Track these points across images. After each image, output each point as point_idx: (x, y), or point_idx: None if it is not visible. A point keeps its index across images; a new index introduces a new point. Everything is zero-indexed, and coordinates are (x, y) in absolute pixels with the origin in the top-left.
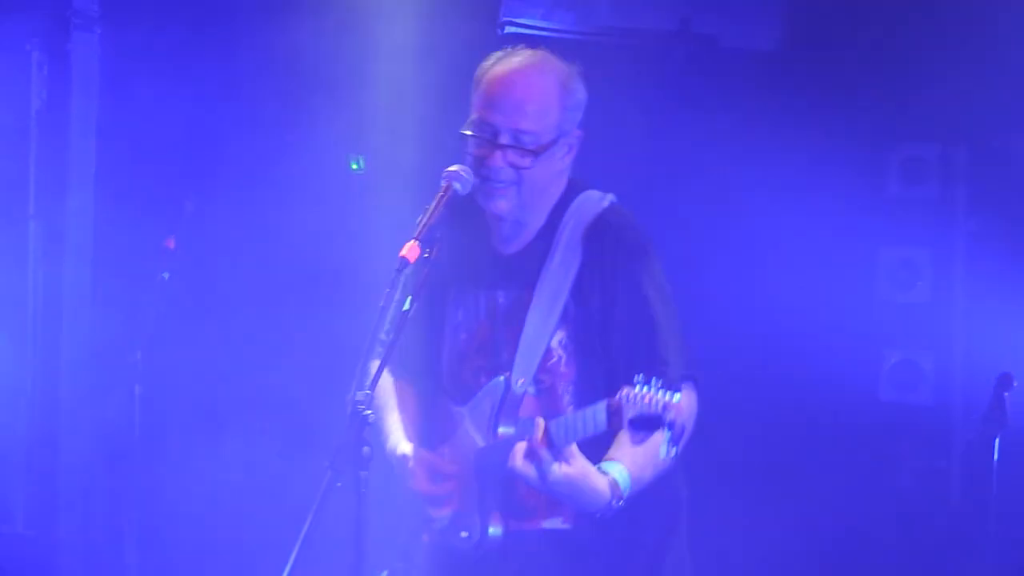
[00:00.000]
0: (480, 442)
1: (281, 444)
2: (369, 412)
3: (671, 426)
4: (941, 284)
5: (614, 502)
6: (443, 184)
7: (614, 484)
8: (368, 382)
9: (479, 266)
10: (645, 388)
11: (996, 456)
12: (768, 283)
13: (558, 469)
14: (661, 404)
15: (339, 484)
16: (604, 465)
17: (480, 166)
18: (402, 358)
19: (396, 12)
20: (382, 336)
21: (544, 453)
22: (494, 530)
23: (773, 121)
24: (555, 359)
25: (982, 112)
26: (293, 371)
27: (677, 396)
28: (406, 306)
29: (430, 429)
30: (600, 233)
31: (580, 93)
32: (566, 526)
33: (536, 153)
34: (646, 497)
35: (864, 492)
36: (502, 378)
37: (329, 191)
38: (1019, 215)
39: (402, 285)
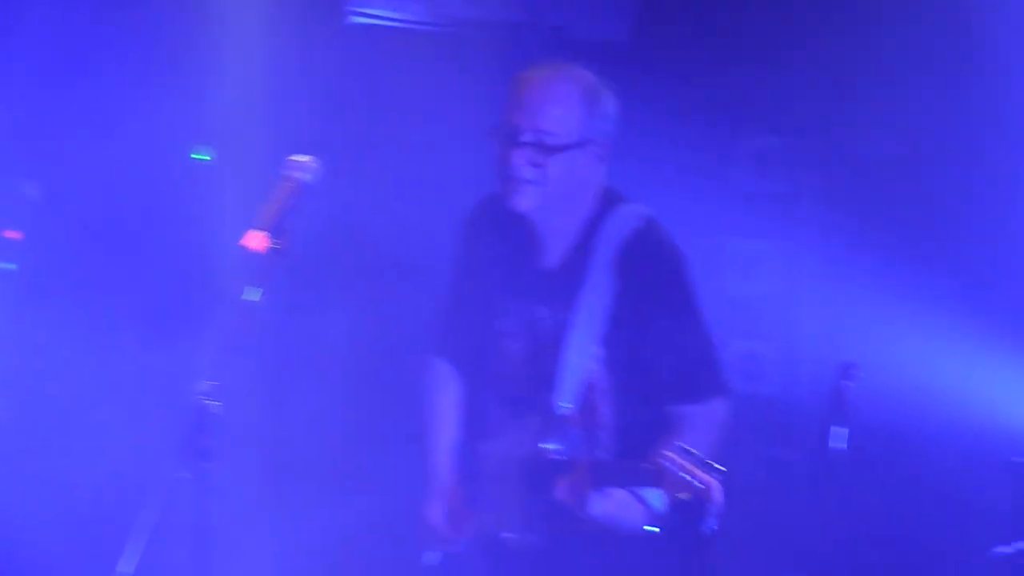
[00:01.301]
0: (528, 452)
1: (127, 435)
2: (216, 404)
3: (708, 504)
4: (787, 275)
5: (648, 527)
6: (289, 174)
7: (650, 511)
8: (215, 374)
9: (521, 277)
10: (685, 460)
11: (839, 445)
12: None
13: (599, 503)
14: (700, 482)
15: (184, 476)
16: (643, 491)
17: (503, 164)
18: (458, 347)
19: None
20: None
21: (586, 491)
22: (534, 535)
23: (622, 113)
24: (596, 377)
25: (829, 106)
26: (139, 362)
27: (716, 473)
28: (256, 297)
29: (476, 421)
30: (636, 254)
31: (608, 104)
32: (597, 536)
33: (555, 151)
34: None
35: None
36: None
37: (176, 180)
38: (864, 208)
39: (252, 276)
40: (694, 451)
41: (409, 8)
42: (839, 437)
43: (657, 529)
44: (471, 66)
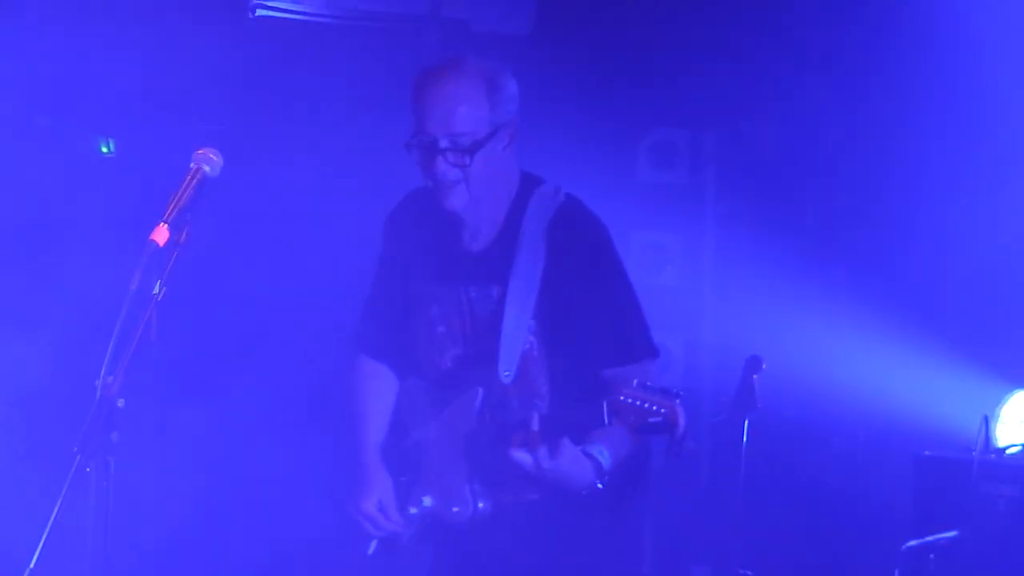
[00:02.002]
0: (469, 426)
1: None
2: (120, 399)
3: (674, 430)
4: (690, 268)
5: (598, 482)
6: (192, 167)
7: (598, 467)
8: (118, 367)
9: (449, 262)
10: (643, 391)
11: (745, 437)
12: None
13: (550, 459)
14: (662, 409)
15: (88, 469)
16: (589, 448)
17: (428, 173)
18: (381, 341)
19: None
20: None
21: (538, 446)
22: (483, 504)
23: (525, 106)
24: (529, 347)
25: (729, 99)
26: (40, 357)
27: (678, 401)
28: (156, 290)
29: (411, 410)
30: (562, 228)
31: (509, 87)
32: (544, 498)
33: (473, 151)
34: (620, 469)
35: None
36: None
37: (78, 174)
38: (766, 200)
39: (152, 269)
40: (649, 384)
41: (311, 1)
42: (745, 429)
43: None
44: (373, 59)
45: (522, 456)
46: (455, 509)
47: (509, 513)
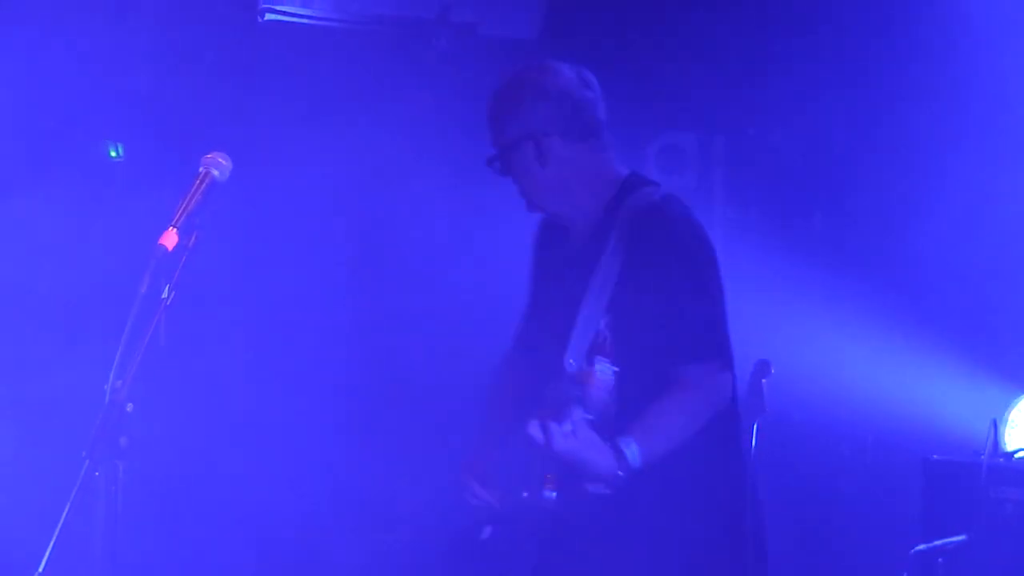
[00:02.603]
0: (540, 414)
1: (41, 434)
2: (129, 404)
3: (581, 397)
4: None
5: (620, 472)
6: (201, 171)
7: (620, 455)
8: (127, 371)
9: (559, 259)
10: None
11: (754, 442)
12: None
13: (563, 440)
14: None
15: (97, 474)
16: (617, 438)
17: None
18: (519, 335)
19: None
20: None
21: (550, 423)
22: (548, 492)
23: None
24: (603, 340)
25: (738, 103)
26: (49, 361)
27: (601, 369)
28: (164, 294)
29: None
30: (638, 226)
31: (536, 89)
32: (608, 491)
33: (503, 160)
34: (676, 471)
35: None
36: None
37: (87, 178)
38: (774, 204)
39: (161, 273)
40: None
41: (320, 5)
42: (754, 433)
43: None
44: (381, 63)
45: (536, 433)
46: (524, 495)
47: (575, 504)
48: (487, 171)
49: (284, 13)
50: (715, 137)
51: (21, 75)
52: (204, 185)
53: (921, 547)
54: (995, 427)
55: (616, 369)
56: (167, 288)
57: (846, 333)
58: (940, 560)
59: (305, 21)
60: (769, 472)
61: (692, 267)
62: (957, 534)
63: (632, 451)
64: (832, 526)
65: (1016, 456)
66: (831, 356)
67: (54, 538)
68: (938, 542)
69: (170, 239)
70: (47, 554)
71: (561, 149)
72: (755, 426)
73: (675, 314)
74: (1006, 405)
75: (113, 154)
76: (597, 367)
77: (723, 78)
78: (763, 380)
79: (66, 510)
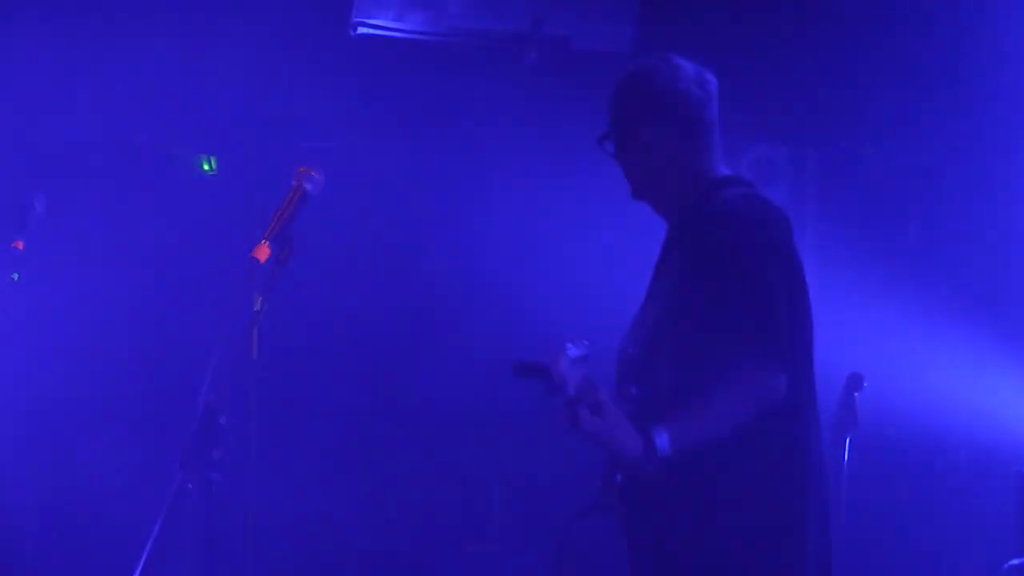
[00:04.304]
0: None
1: (133, 446)
2: (222, 416)
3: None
4: None
5: (650, 456)
6: (294, 184)
7: (648, 440)
8: (220, 384)
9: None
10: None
11: (846, 456)
12: (617, 277)
13: (588, 420)
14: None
15: (190, 486)
16: (650, 425)
17: None
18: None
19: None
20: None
21: (575, 404)
22: (617, 478)
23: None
24: (659, 332)
25: (830, 116)
26: (150, 371)
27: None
28: (257, 307)
29: None
30: (699, 221)
31: (649, 80)
32: (668, 481)
33: (610, 143)
34: (719, 468)
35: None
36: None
37: (181, 192)
38: (867, 218)
39: (254, 286)
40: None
41: (413, 19)
42: (846, 447)
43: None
44: (473, 77)
45: (567, 417)
46: (598, 483)
47: (633, 490)
48: (582, 181)
49: (376, 27)
50: (807, 150)
51: (119, 90)
52: (297, 198)
53: (1015, 562)
54: None
55: (584, 350)
56: (259, 300)
57: (939, 346)
58: None
59: (397, 35)
60: (859, 486)
61: (743, 262)
62: None
63: (663, 439)
64: (925, 541)
65: None
66: (924, 369)
67: (147, 551)
68: None
69: (263, 252)
70: (140, 568)
71: (661, 141)
72: (847, 440)
73: (719, 311)
74: None
75: (206, 167)
76: (568, 345)
77: (816, 91)
78: (855, 394)
79: (159, 523)
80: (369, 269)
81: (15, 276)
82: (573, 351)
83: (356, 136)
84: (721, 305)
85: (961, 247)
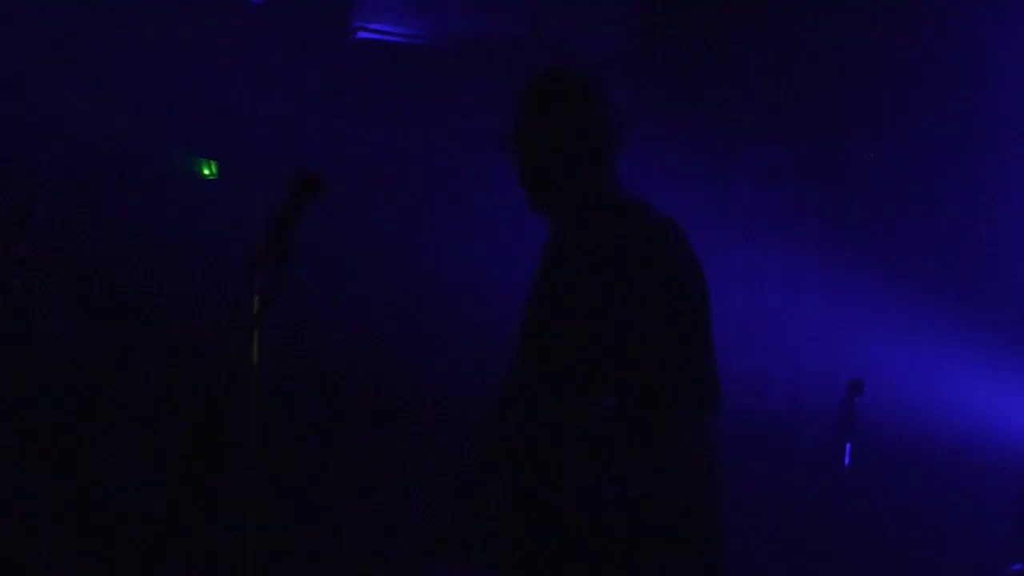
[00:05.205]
0: None
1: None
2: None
3: None
4: (792, 290)
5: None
6: (294, 189)
7: None
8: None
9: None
10: None
11: (847, 461)
12: None
13: None
14: None
15: (196, 488)
16: None
17: None
18: None
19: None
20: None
21: None
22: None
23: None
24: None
25: (834, 119)
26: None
27: None
28: (255, 312)
29: None
30: (580, 243)
31: (546, 90)
32: None
33: (506, 146)
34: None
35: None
36: None
37: (184, 194)
38: (870, 221)
39: (253, 287)
40: None
41: (412, 24)
42: (846, 452)
43: None
44: (473, 81)
45: None
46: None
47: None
48: None
49: (376, 31)
50: (812, 153)
51: (120, 96)
52: (296, 203)
53: (1016, 567)
54: None
55: None
56: (258, 303)
57: (940, 349)
58: None
59: (396, 39)
60: (860, 490)
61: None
62: None
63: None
64: (926, 545)
65: None
66: (924, 372)
67: (147, 550)
68: None
69: (263, 257)
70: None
71: (550, 153)
72: (848, 445)
73: (573, 343)
74: None
75: (207, 172)
76: None
77: (818, 95)
78: (855, 399)
79: (159, 523)
80: (369, 271)
81: (16, 282)
82: None
83: (353, 140)
84: (577, 338)
85: (968, 252)
